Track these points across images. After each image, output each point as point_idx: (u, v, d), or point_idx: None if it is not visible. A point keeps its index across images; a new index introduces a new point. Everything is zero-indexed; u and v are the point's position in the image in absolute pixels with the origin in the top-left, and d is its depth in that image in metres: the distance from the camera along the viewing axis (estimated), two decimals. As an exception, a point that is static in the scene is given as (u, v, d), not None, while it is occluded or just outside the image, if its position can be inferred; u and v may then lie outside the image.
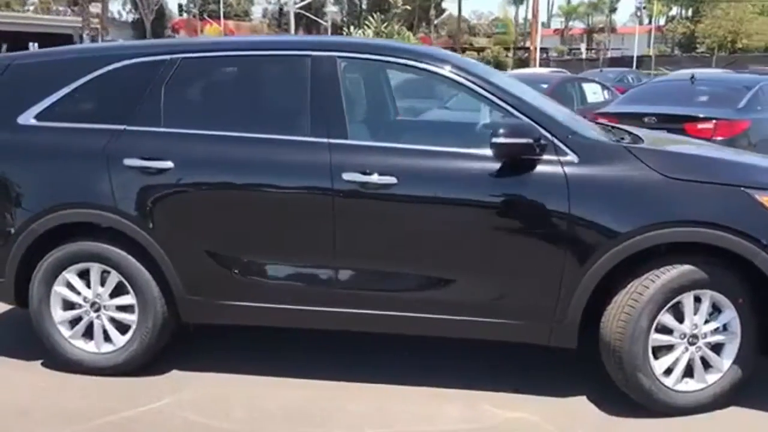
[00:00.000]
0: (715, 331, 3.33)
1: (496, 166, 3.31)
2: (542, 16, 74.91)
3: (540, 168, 3.29)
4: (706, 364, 3.36)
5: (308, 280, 3.56)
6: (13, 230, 3.71)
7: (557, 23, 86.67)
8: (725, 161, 3.59)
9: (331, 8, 59.60)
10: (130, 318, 3.72)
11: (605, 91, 13.03)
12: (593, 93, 12.59)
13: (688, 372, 3.37)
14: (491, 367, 3.83)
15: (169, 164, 3.53)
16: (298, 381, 3.72)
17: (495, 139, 3.20)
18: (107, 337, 3.78)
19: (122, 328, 3.76)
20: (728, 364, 3.34)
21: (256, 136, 3.56)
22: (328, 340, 4.01)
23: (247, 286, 3.59)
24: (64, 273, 3.73)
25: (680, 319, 3.31)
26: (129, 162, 3.58)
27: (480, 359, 3.91)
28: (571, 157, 3.30)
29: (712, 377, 3.36)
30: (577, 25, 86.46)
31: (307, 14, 51.29)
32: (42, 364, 3.93)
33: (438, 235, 3.40)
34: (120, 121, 3.67)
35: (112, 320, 3.76)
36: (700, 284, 3.24)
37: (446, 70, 3.52)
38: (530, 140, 3.23)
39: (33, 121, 3.76)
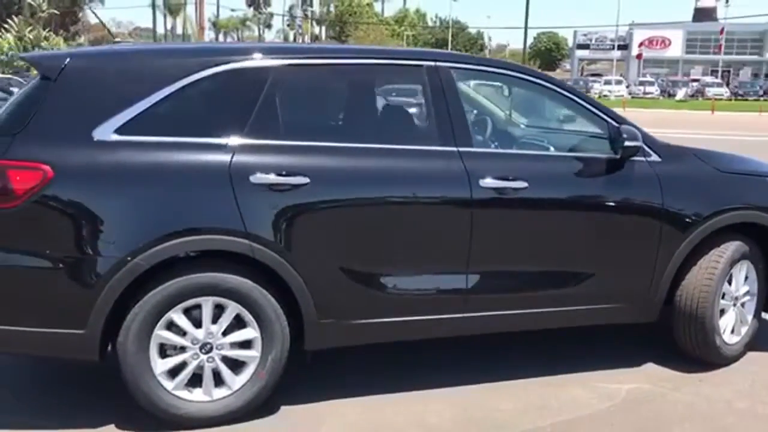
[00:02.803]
0: (746, 293, 4.16)
1: (611, 167, 3.72)
2: (189, 29, 74.55)
3: (639, 167, 3.79)
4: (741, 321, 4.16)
5: (443, 289, 3.57)
6: (102, 269, 3.05)
7: (208, 37, 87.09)
8: (751, 159, 4.45)
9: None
10: (249, 354, 3.31)
11: None
12: None
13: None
14: (562, 356, 4.18)
15: (305, 180, 3.25)
16: (422, 393, 3.68)
17: (627, 143, 3.62)
18: (218, 381, 3.31)
19: (236, 367, 3.33)
20: (751, 319, 4.19)
21: (390, 147, 3.47)
22: (409, 351, 3.99)
23: (382, 302, 3.47)
24: (169, 313, 3.17)
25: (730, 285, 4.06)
26: (258, 179, 3.20)
27: (548, 348, 4.24)
28: (655, 157, 3.85)
29: (744, 329, 4.17)
30: (229, 40, 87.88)
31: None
32: (118, 427, 3.27)
33: (561, 233, 3.70)
34: (233, 134, 3.25)
35: (225, 360, 3.30)
36: (744, 256, 4.04)
37: (549, 83, 3.83)
38: (642, 143, 3.71)
39: (114, 137, 3.13)
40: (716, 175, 3.99)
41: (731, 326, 4.10)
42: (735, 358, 4.14)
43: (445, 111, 3.53)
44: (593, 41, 73.01)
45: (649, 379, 3.92)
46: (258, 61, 3.38)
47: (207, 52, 3.55)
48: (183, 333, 3.22)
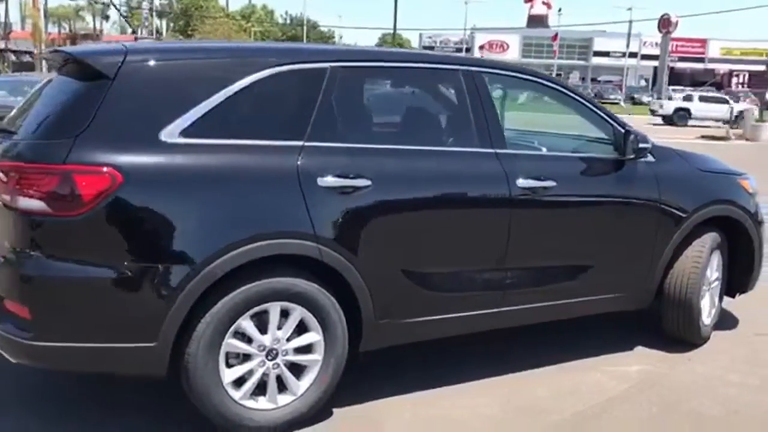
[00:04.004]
0: (715, 279, 4.64)
1: (622, 167, 4.03)
2: (13, 16, 68.89)
3: (641, 167, 4.13)
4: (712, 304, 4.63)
5: (484, 285, 3.71)
6: (176, 278, 2.91)
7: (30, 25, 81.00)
8: (716, 159, 4.90)
9: None
10: (312, 358, 3.28)
11: None
12: None
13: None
14: (565, 344, 4.44)
15: (366, 182, 3.27)
16: (465, 386, 3.81)
17: (641, 144, 3.94)
18: (281, 387, 3.25)
19: (297, 372, 3.29)
20: (717, 302, 4.68)
21: (439, 149, 3.58)
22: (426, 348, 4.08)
23: (431, 301, 3.56)
24: (239, 320, 3.08)
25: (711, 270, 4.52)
26: (325, 182, 3.18)
27: (549, 338, 4.49)
28: (650, 158, 4.22)
29: (713, 311, 4.64)
30: (61, 30, 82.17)
31: None
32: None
33: (583, 228, 3.97)
34: (297, 136, 3.20)
35: (289, 365, 3.25)
36: (717, 246, 4.51)
37: (561, 88, 4.08)
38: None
39: (182, 139, 2.99)
40: (697, 173, 4.43)
41: (707, 309, 4.56)
42: (707, 339, 4.60)
43: (482, 114, 3.67)
44: (438, 43, 75.67)
45: (647, 360, 4.28)
46: (315, 62, 3.34)
47: (266, 52, 3.46)
48: (249, 340, 3.14)
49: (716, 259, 4.56)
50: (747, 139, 24.67)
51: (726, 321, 4.92)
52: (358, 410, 3.50)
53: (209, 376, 3.04)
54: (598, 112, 4.12)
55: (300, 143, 3.19)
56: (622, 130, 4.06)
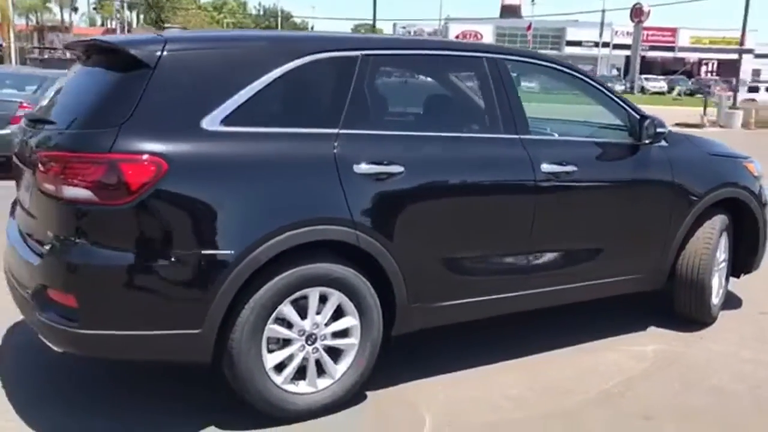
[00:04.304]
0: (723, 260, 4.77)
1: (638, 152, 4.13)
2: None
3: (655, 152, 4.24)
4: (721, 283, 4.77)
5: (510, 269, 3.78)
6: (220, 264, 2.94)
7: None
8: (722, 143, 5.02)
9: None
10: (349, 342, 3.34)
11: None
12: None
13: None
14: (580, 326, 4.55)
15: (399, 168, 3.32)
16: (491, 368, 3.89)
17: (660, 129, 4.05)
18: (319, 372, 3.31)
19: (335, 356, 3.34)
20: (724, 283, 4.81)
21: (468, 136, 3.64)
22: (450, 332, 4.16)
23: (460, 285, 3.63)
24: (281, 306, 3.13)
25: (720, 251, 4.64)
26: (360, 169, 3.23)
27: (565, 321, 4.58)
28: (663, 142, 4.32)
29: (721, 291, 4.78)
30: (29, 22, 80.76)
31: None
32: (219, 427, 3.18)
33: (602, 211, 4.06)
34: (332, 124, 3.25)
35: (327, 350, 3.31)
36: (726, 228, 4.64)
37: (581, 75, 4.16)
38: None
39: (223, 127, 3.02)
40: (707, 157, 4.55)
41: (716, 290, 4.69)
42: (716, 319, 4.73)
43: (506, 100, 3.74)
44: (412, 34, 75.53)
45: (661, 340, 4.40)
46: (347, 50, 3.38)
47: (301, 40, 3.50)
48: (290, 325, 3.18)
49: (724, 241, 4.68)
50: (721, 126, 25.15)
51: (730, 301, 5.05)
52: (392, 393, 3.56)
53: (253, 362, 3.08)
54: (615, 98, 4.21)
55: (335, 131, 3.23)
56: (638, 116, 4.16)
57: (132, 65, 2.97)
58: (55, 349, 3.04)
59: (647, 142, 4.12)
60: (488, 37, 73.04)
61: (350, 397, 3.38)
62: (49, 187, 2.92)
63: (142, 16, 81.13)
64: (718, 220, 4.53)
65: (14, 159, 3.62)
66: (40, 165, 2.98)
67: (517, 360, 4.01)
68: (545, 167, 3.75)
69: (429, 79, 3.95)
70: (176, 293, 2.93)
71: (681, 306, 4.58)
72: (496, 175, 3.67)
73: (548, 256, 3.90)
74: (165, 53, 2.98)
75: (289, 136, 3.16)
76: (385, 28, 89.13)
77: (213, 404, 3.37)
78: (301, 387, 3.26)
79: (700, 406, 3.57)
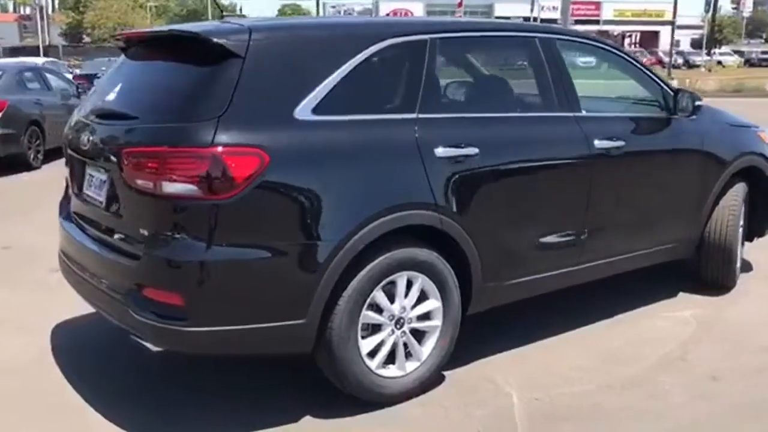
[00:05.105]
0: (741, 226, 4.98)
1: (675, 125, 4.29)
2: None
3: (687, 124, 4.40)
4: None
5: (568, 243, 3.88)
6: (323, 253, 2.93)
7: None
8: (736, 115, 5.22)
9: None
10: (432, 324, 3.38)
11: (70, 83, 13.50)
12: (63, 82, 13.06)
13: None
14: (612, 296, 4.68)
15: (475, 150, 3.37)
16: (554, 340, 4.00)
17: (698, 102, 4.20)
18: (407, 355, 3.34)
19: (419, 339, 3.38)
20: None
21: (531, 115, 3.72)
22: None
23: (528, 261, 3.71)
24: (374, 292, 3.15)
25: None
26: (440, 152, 3.25)
27: (595, 293, 4.70)
28: (693, 115, 4.49)
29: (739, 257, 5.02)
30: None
31: None
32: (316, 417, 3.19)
33: (647, 183, 4.21)
34: (410, 109, 3.26)
35: (413, 333, 3.34)
36: (746, 195, 4.85)
37: (620, 53, 4.27)
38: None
39: (313, 116, 2.99)
40: (728, 127, 4.76)
41: (739, 255, 4.92)
42: (736, 282, 4.97)
43: (559, 79, 3.82)
44: (342, 13, 75.03)
45: (696, 305, 4.60)
46: (418, 34, 3.38)
47: (375, 26, 3.48)
48: (380, 311, 3.20)
49: (743, 208, 4.91)
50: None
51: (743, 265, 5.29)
52: (469, 371, 3.63)
53: (351, 349, 3.09)
54: (650, 74, 4.35)
55: (414, 115, 3.25)
56: (671, 91, 4.31)
57: (220, 56, 2.91)
58: (152, 348, 2.99)
59: (685, 115, 4.27)
60: (418, 14, 73.13)
61: (435, 378, 3.42)
62: (144, 183, 2.84)
63: (57, 2, 78.02)
64: (741, 188, 4.74)
65: (71, 154, 3.51)
66: (128, 161, 2.89)
67: (570, 333, 4.12)
68: (597, 143, 3.85)
69: (489, 60, 4.00)
70: (282, 284, 2.91)
71: (709, 272, 4.78)
72: (557, 153, 3.75)
73: (601, 229, 4.02)
74: (252, 42, 2.93)
75: (375, 123, 3.16)
76: (312, 8, 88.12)
77: (304, 395, 3.37)
78: (392, 371, 3.28)
79: (758, 365, 3.76)
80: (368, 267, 3.07)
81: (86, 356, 3.82)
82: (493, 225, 3.48)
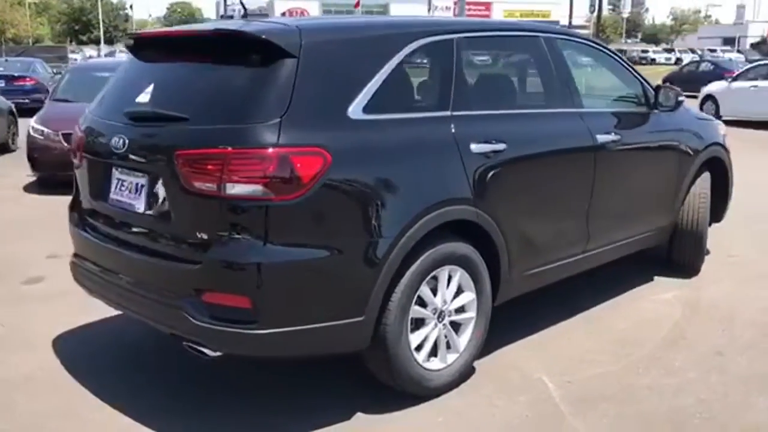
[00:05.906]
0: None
1: (656, 118, 4.57)
2: None
3: (665, 117, 4.70)
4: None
5: (577, 231, 4.07)
6: (381, 250, 2.96)
7: None
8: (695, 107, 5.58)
9: None
10: (468, 316, 3.47)
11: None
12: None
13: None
14: (589, 284, 4.89)
15: (503, 146, 3.48)
16: (559, 327, 4.18)
17: (680, 98, 4.49)
18: (447, 347, 3.42)
19: (456, 331, 3.47)
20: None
21: (547, 111, 3.91)
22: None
23: (545, 250, 3.87)
24: (421, 286, 3.21)
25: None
26: (475, 148, 3.35)
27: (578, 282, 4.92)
28: (673, 110, 4.79)
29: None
30: None
31: None
32: (366, 413, 3.22)
33: (637, 173, 4.46)
34: (445, 106, 3.34)
35: (452, 325, 3.42)
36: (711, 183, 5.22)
37: (609, 51, 4.50)
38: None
39: (365, 115, 3.01)
40: (696, 120, 5.10)
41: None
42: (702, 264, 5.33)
43: (564, 76, 4.01)
44: (236, 12, 73.76)
45: (673, 287, 4.91)
46: (446, 33, 3.45)
47: (410, 25, 3.49)
48: (425, 305, 3.27)
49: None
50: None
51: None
52: (495, 361, 3.74)
53: (403, 344, 3.14)
54: (634, 72, 4.62)
55: (448, 113, 3.33)
56: (652, 88, 4.60)
57: (274, 56, 2.87)
58: (210, 354, 2.92)
59: (666, 110, 4.56)
60: (314, 13, 72.87)
61: (470, 368, 3.51)
62: (204, 185, 2.77)
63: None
64: (707, 177, 5.09)
65: (88, 158, 3.37)
66: (184, 163, 2.81)
67: (568, 321, 4.30)
68: (599, 137, 4.06)
69: (508, 58, 4.12)
70: (343, 282, 2.92)
71: (680, 256, 5.11)
72: (569, 146, 3.94)
73: (603, 218, 4.23)
74: (304, 42, 2.92)
75: (418, 121, 3.23)
76: (204, 8, 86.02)
77: (345, 393, 3.38)
78: (435, 363, 3.35)
79: (752, 338, 4.07)
80: (418, 262, 3.12)
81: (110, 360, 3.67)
82: (518, 217, 3.61)
